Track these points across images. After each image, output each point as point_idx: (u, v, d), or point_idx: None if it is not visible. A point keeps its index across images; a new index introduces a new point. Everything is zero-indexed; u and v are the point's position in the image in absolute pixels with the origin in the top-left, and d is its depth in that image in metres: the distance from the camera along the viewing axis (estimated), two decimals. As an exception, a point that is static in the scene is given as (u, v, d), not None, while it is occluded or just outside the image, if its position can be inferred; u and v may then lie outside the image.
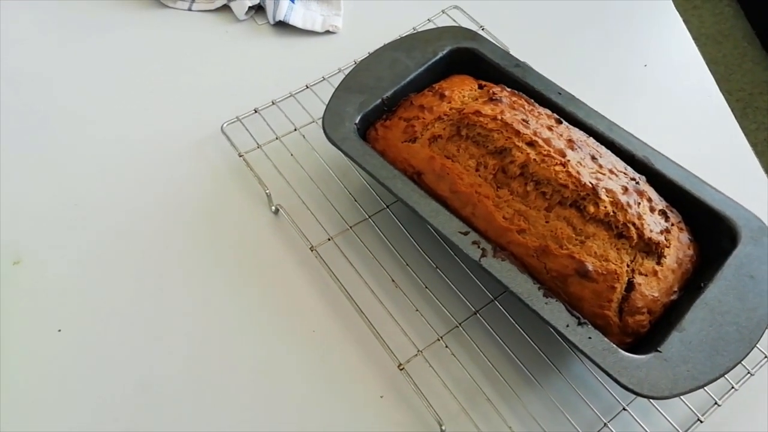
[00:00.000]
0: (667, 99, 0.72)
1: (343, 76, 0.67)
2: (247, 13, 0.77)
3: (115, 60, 0.75)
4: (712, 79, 0.72)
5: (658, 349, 0.44)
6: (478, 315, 0.54)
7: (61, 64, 0.74)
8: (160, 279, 0.58)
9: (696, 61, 0.74)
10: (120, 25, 0.78)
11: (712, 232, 0.51)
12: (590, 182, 0.47)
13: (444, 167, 0.51)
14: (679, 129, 0.69)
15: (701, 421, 0.49)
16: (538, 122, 0.52)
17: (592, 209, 0.47)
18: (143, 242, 0.60)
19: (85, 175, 0.65)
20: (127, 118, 0.70)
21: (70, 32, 0.77)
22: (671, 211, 0.51)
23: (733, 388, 0.51)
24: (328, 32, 0.77)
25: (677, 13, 0.78)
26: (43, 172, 0.65)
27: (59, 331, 0.55)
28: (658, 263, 0.48)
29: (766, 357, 0.52)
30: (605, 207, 0.47)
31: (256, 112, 0.66)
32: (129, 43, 0.76)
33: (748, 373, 0.51)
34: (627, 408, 0.50)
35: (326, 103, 0.66)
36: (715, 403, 0.50)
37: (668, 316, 0.48)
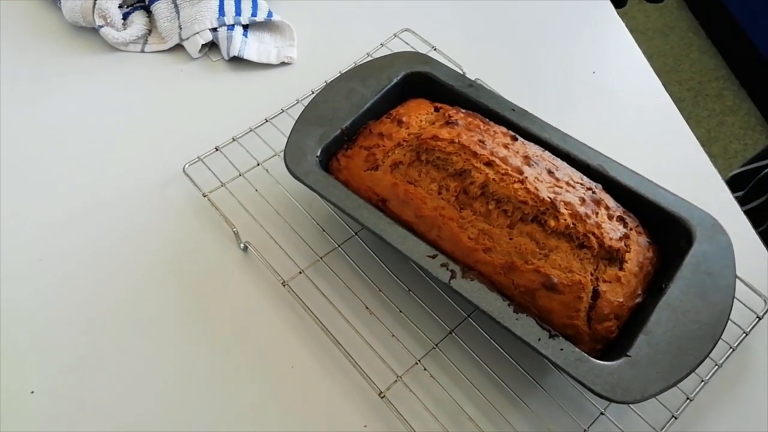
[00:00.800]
0: (617, 104, 0.74)
1: (302, 107, 0.68)
2: (200, 50, 0.77)
3: (68, 106, 0.74)
4: (659, 81, 0.75)
5: (628, 353, 0.45)
6: (453, 334, 0.55)
7: (11, 112, 0.73)
8: (129, 329, 0.57)
9: (641, 65, 0.77)
10: (72, 70, 0.77)
11: (668, 233, 0.53)
12: (548, 197, 0.49)
13: (407, 193, 0.52)
14: (630, 133, 0.71)
15: (675, 418, 0.51)
16: (494, 141, 0.53)
17: (552, 223, 0.48)
18: (109, 292, 0.60)
19: (45, 226, 0.64)
20: (85, 166, 0.69)
21: (21, 79, 0.76)
22: (628, 216, 0.52)
23: (702, 381, 0.52)
24: (283, 63, 0.77)
25: (620, 20, 0.81)
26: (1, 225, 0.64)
27: (32, 392, 0.54)
28: (620, 269, 0.49)
29: (731, 348, 0.54)
30: (565, 220, 0.48)
31: (217, 150, 0.66)
32: (82, 89, 0.76)
33: (716, 365, 0.53)
34: (604, 413, 0.51)
35: (286, 134, 0.67)
36: (687, 398, 0.52)
37: (635, 319, 0.49)
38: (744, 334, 0.55)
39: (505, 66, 0.77)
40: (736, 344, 0.54)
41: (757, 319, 0.56)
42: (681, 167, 0.67)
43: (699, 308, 0.47)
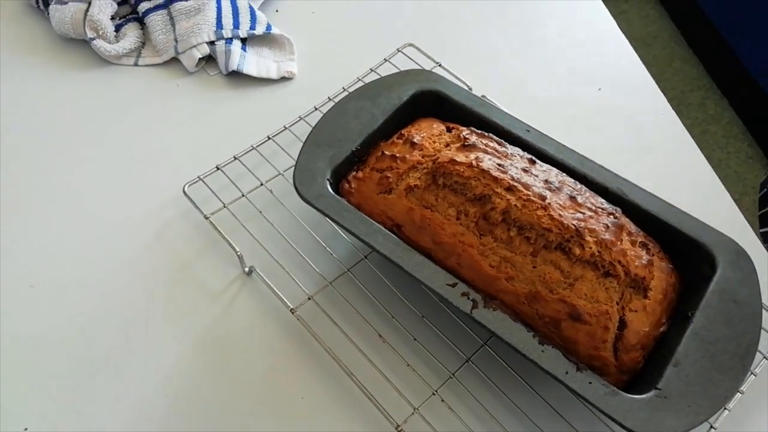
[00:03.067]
0: (623, 122, 0.73)
1: (305, 124, 0.66)
2: (197, 64, 0.74)
3: (57, 123, 0.71)
4: (664, 97, 0.74)
5: (657, 386, 0.44)
6: (470, 362, 0.53)
7: (2, 129, 0.69)
8: (128, 358, 0.54)
9: (646, 81, 0.76)
10: (62, 84, 0.74)
11: (690, 258, 0.51)
12: (573, 224, 0.47)
13: (424, 218, 0.50)
14: (638, 152, 0.70)
15: (699, 447, 0.49)
16: (513, 165, 0.51)
17: (577, 251, 0.47)
18: (105, 319, 0.56)
19: (38, 252, 0.61)
20: (78, 186, 0.66)
21: (5, 94, 0.73)
22: (650, 241, 0.51)
23: (726, 409, 0.51)
24: (283, 78, 0.75)
25: (624, 36, 0.81)
26: (-10, 254, 0.61)
27: (26, 429, 0.51)
28: (645, 297, 0.48)
29: (753, 375, 0.53)
30: (590, 248, 0.47)
31: (218, 169, 0.64)
32: (73, 104, 0.72)
33: (739, 392, 0.52)
34: (628, 443, 0.50)
35: (290, 153, 0.65)
36: (711, 426, 0.50)
37: (660, 348, 0.48)
38: (764, 359, 0.54)
39: (510, 83, 0.76)
40: (757, 370, 0.53)
41: (777, 342, 0.55)
42: (690, 186, 0.67)
43: (727, 338, 0.46)
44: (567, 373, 0.44)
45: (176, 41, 0.74)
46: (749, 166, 1.72)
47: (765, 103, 1.68)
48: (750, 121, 1.78)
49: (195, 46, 0.73)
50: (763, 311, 0.49)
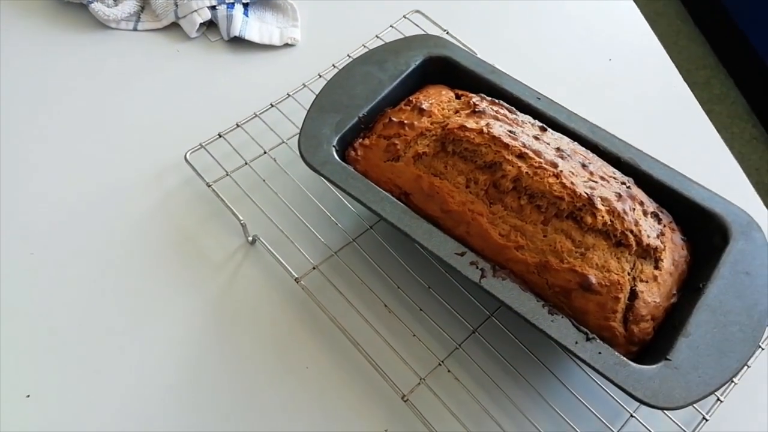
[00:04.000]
0: (634, 92, 0.72)
1: (309, 92, 0.65)
2: (198, 30, 0.72)
3: (55, 88, 0.69)
4: (675, 69, 0.73)
5: (668, 357, 0.44)
6: (476, 333, 0.53)
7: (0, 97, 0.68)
8: (131, 328, 0.54)
9: (658, 52, 0.75)
10: (59, 49, 0.72)
11: (702, 229, 0.51)
12: (585, 192, 0.46)
13: (433, 186, 0.49)
14: (649, 122, 0.69)
15: (706, 419, 0.49)
16: (524, 132, 0.50)
17: (589, 220, 0.46)
18: (107, 289, 0.56)
19: (37, 221, 0.60)
20: (76, 153, 0.64)
21: (7, 59, 0.71)
22: (662, 212, 0.50)
23: (733, 382, 0.51)
24: (286, 45, 0.73)
25: (635, 6, 0.79)
26: (-12, 220, 0.59)
27: (28, 396, 0.50)
28: (657, 267, 0.47)
29: (761, 348, 0.53)
30: (602, 217, 0.46)
31: (220, 136, 0.62)
32: (70, 69, 0.70)
33: (747, 366, 0.51)
34: (634, 415, 0.49)
35: (294, 121, 0.63)
36: (718, 399, 0.50)
37: (670, 320, 0.47)
38: (772, 333, 0.53)
39: (519, 51, 0.74)
40: (764, 343, 0.53)
41: (785, 316, 0.54)
42: (701, 158, 0.65)
43: (738, 309, 0.46)
44: (576, 342, 0.44)
45: (176, 5, 0.72)
46: (753, 147, 1.71)
47: (771, 82, 1.67)
48: (755, 102, 1.76)
49: (196, 11, 0.71)
50: None
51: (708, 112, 0.69)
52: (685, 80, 0.72)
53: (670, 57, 0.74)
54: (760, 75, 1.70)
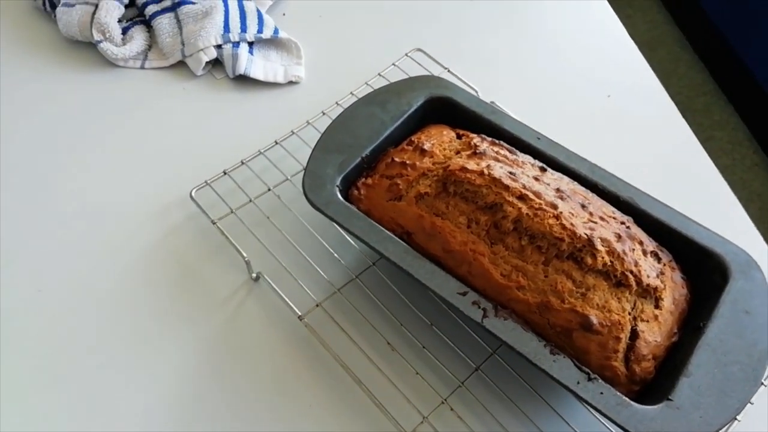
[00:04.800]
0: (633, 129, 0.73)
1: (313, 129, 0.66)
2: (204, 68, 0.74)
3: (64, 125, 0.70)
4: (674, 105, 0.74)
5: (669, 397, 0.44)
6: (479, 371, 0.53)
7: (8, 132, 0.69)
8: (134, 365, 0.54)
9: (656, 88, 0.76)
10: (68, 87, 0.73)
11: (701, 268, 0.51)
12: (585, 233, 0.47)
13: (434, 226, 0.50)
14: (648, 160, 0.70)
15: (710, 459, 0.49)
16: (524, 173, 0.51)
17: (590, 261, 0.47)
18: (112, 326, 0.56)
19: (44, 257, 0.60)
20: (84, 190, 0.65)
21: (13, 97, 0.73)
22: (661, 251, 0.51)
23: (736, 420, 0.51)
24: (291, 82, 0.74)
25: (633, 42, 0.80)
26: (-4, 257, 0.60)
27: (31, 437, 0.51)
28: (657, 307, 0.48)
29: (763, 385, 0.53)
30: (603, 257, 0.47)
31: (225, 173, 0.63)
32: (79, 107, 0.72)
33: (749, 403, 0.52)
34: (639, 454, 0.49)
35: (298, 159, 0.64)
36: (721, 437, 0.50)
37: (671, 359, 0.48)
38: (773, 369, 0.54)
39: (519, 89, 0.76)
40: (766, 381, 0.53)
41: (786, 353, 0.54)
42: (699, 194, 0.66)
43: (739, 349, 0.46)
44: (578, 383, 0.44)
45: (183, 44, 0.74)
46: (755, 173, 1.72)
47: (770, 109, 1.68)
48: (755, 128, 1.77)
49: (202, 50, 0.72)
50: None
51: (709, 139, 0.70)
52: (685, 108, 0.74)
53: (670, 84, 0.75)
54: (760, 100, 1.72)
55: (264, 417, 0.52)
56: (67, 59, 0.76)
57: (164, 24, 0.74)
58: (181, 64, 0.75)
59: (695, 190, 0.67)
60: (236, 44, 0.73)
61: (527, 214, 0.48)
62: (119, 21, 0.75)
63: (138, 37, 0.75)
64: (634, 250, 0.48)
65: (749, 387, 0.45)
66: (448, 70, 0.73)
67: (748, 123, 1.80)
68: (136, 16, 0.77)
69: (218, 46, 0.73)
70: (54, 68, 0.75)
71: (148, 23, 0.76)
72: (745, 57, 1.76)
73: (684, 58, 2.04)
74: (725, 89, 1.89)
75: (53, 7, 0.76)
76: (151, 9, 0.75)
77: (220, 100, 0.73)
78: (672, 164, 0.70)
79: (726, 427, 0.49)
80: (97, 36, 0.73)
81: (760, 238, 0.62)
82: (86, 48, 0.76)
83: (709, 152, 0.69)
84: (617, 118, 0.73)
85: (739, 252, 0.50)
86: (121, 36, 0.74)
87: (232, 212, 0.61)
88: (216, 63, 0.75)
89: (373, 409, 0.51)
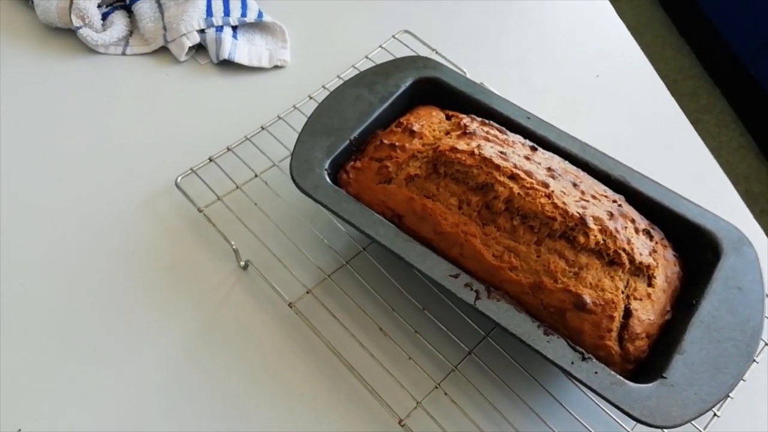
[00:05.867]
0: (622, 109, 0.72)
1: (300, 114, 0.65)
2: (187, 53, 0.72)
3: (44, 114, 0.69)
4: (663, 84, 0.74)
5: (664, 375, 0.44)
6: (472, 354, 0.53)
7: (-16, 124, 0.68)
8: (121, 357, 0.53)
9: (645, 68, 0.76)
10: (48, 75, 0.71)
11: (693, 245, 0.51)
12: (577, 212, 0.46)
13: (425, 208, 0.49)
14: (637, 139, 0.69)
15: (704, 435, 0.49)
16: (515, 152, 0.50)
17: (582, 239, 0.46)
18: (97, 318, 0.55)
19: (27, 249, 0.59)
20: (67, 179, 0.64)
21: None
22: (653, 229, 0.50)
23: (729, 397, 0.51)
24: (276, 67, 0.73)
25: (622, 22, 0.80)
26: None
27: (19, 430, 0.49)
28: (650, 285, 0.47)
29: (755, 362, 0.53)
30: (595, 236, 0.46)
31: (211, 160, 0.62)
32: (59, 95, 0.70)
33: (742, 380, 0.52)
34: (632, 432, 0.49)
35: (285, 144, 0.63)
36: (714, 414, 0.50)
37: (664, 337, 0.47)
38: (766, 346, 0.54)
39: (508, 69, 0.75)
40: (758, 357, 0.53)
41: (778, 329, 0.55)
42: (690, 171, 0.66)
43: (732, 325, 0.46)
44: (573, 363, 0.44)
45: (165, 29, 0.72)
46: (741, 155, 1.73)
47: (757, 92, 1.69)
48: (742, 110, 1.78)
49: (185, 35, 0.71)
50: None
51: (696, 122, 0.69)
52: (672, 91, 0.73)
53: (657, 68, 0.75)
54: (746, 83, 1.72)
55: (255, 405, 0.51)
56: (46, 47, 0.74)
57: (145, 9, 0.73)
58: (163, 50, 0.74)
59: (685, 168, 0.67)
60: (220, 28, 0.72)
61: (519, 193, 0.47)
62: (99, 6, 0.73)
63: (119, 22, 0.73)
64: (626, 228, 0.47)
65: (743, 363, 0.45)
66: (436, 52, 0.72)
67: (735, 106, 1.81)
68: (116, 1, 0.75)
69: (201, 31, 0.72)
70: (32, 56, 0.73)
71: (128, 8, 0.74)
72: (732, 40, 1.77)
73: (670, 41, 2.04)
74: (711, 72, 1.90)
75: (30, -7, 0.74)
76: (131, -6, 0.74)
77: (204, 86, 0.72)
78: (661, 143, 0.69)
79: (720, 404, 0.49)
80: (76, 22, 0.71)
81: (750, 216, 0.62)
82: (65, 35, 0.74)
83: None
84: (607, 97, 0.73)
85: (731, 228, 0.50)
86: (101, 22, 0.72)
87: (218, 199, 0.60)
88: (199, 48, 0.74)
89: (366, 395, 0.50)
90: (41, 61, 0.73)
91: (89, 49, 0.73)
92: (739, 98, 1.79)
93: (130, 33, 0.74)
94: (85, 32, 0.71)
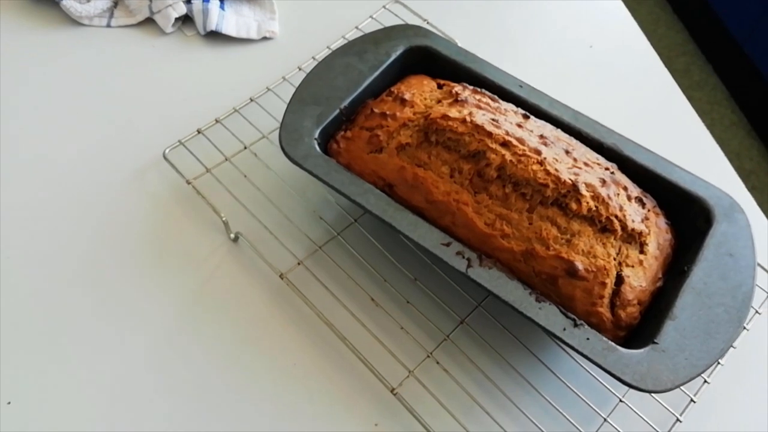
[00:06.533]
0: (616, 79, 0.72)
1: (289, 85, 0.64)
2: (173, 25, 0.71)
3: (28, 88, 0.67)
4: (657, 55, 0.73)
5: (655, 340, 0.44)
6: (465, 324, 0.53)
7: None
8: (111, 329, 0.53)
9: (639, 39, 0.75)
10: (30, 48, 0.70)
11: (685, 213, 0.51)
12: (569, 179, 0.46)
13: (417, 177, 0.49)
14: (631, 109, 0.69)
15: (694, 402, 0.49)
16: (507, 120, 0.50)
17: (574, 206, 0.46)
18: (85, 291, 0.54)
19: (13, 223, 0.58)
20: (53, 153, 0.63)
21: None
22: (646, 196, 0.50)
23: (719, 364, 0.51)
24: (264, 38, 0.72)
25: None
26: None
27: (9, 403, 0.49)
28: (642, 252, 0.47)
29: (745, 329, 0.53)
30: (587, 203, 0.46)
31: (199, 132, 0.61)
32: (43, 69, 0.69)
33: (732, 347, 0.52)
34: (623, 400, 0.50)
35: (274, 115, 0.62)
36: (705, 381, 0.50)
37: (656, 304, 0.48)
38: (756, 314, 0.54)
39: (500, 40, 0.74)
40: (748, 325, 0.53)
41: (768, 297, 0.55)
42: (683, 142, 0.66)
43: (723, 291, 0.46)
44: (565, 329, 0.44)
45: (150, 0, 0.70)
46: (734, 132, 1.73)
47: (749, 69, 1.68)
48: (734, 88, 1.78)
49: (171, 5, 0.69)
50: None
51: (688, 99, 0.69)
52: (665, 67, 0.73)
53: (651, 44, 0.74)
54: (739, 61, 1.72)
55: (247, 378, 0.51)
56: (28, 19, 0.72)
57: (130, -21, 0.71)
58: (149, 22, 0.72)
59: (678, 138, 0.66)
60: (206, -1, 0.70)
61: (511, 160, 0.47)
62: (81, -24, 0.71)
63: (102, -7, 0.71)
64: (618, 195, 0.47)
65: (733, 328, 0.45)
66: (427, 22, 0.71)
67: (727, 83, 1.80)
68: (100, -29, 0.73)
69: (188, 2, 0.70)
70: (14, 28, 0.71)
71: (112, -21, 0.73)
72: (724, 16, 1.76)
73: (664, 18, 2.03)
74: (704, 50, 1.89)
75: (10, -37, 0.72)
76: (115, -36, 0.72)
77: (191, 58, 0.70)
78: (654, 113, 0.69)
79: (710, 370, 0.50)
80: (58, -8, 0.69)
81: (741, 184, 0.62)
82: (48, 6, 0.72)
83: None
84: (600, 67, 0.72)
85: (723, 195, 0.50)
86: (85, -8, 0.71)
87: (207, 171, 0.59)
88: (186, 19, 0.72)
89: (359, 365, 0.50)
90: (23, 34, 0.71)
91: (73, 21, 0.72)
92: (732, 75, 1.79)
93: (115, 4, 0.72)
94: (68, 4, 0.70)
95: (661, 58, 0.74)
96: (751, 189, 1.61)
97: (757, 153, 1.69)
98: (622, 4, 0.77)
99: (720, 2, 1.77)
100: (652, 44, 0.74)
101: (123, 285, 0.55)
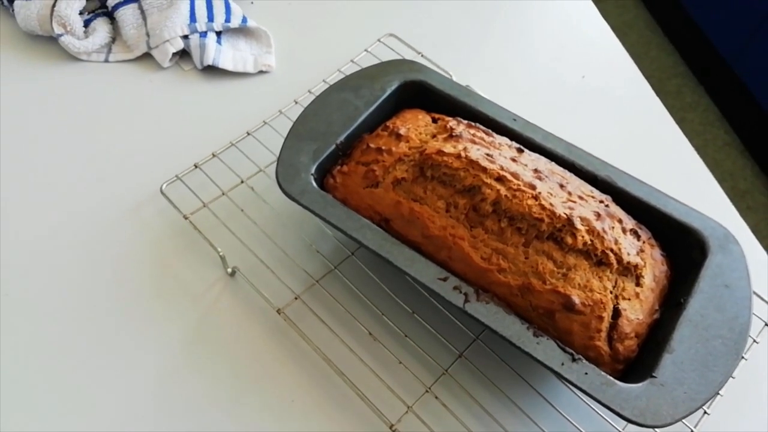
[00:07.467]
0: (608, 109, 0.73)
1: (286, 119, 0.64)
2: (171, 59, 0.72)
3: (26, 123, 0.68)
4: (648, 84, 0.74)
5: (653, 374, 0.44)
6: (463, 357, 0.52)
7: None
8: (107, 366, 0.52)
9: (629, 68, 0.76)
10: (29, 83, 0.71)
11: (680, 244, 0.51)
12: (564, 213, 0.46)
13: (413, 211, 0.49)
14: (624, 139, 0.70)
15: (694, 432, 0.49)
16: (502, 154, 0.50)
17: (570, 240, 0.46)
18: (82, 328, 0.54)
19: (10, 258, 0.58)
20: (49, 189, 0.63)
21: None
22: (640, 228, 0.51)
23: (718, 394, 0.51)
24: (261, 72, 0.73)
25: (606, 23, 0.80)
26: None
27: (2, 445, 0.49)
28: (638, 284, 0.47)
29: (743, 358, 0.53)
30: (583, 236, 0.46)
31: (196, 167, 0.62)
32: (42, 103, 0.69)
33: (731, 377, 0.52)
34: (623, 432, 0.49)
35: (271, 149, 0.63)
36: (705, 412, 0.50)
37: (653, 336, 0.48)
38: (754, 342, 0.54)
39: (493, 72, 0.75)
40: (746, 354, 0.53)
41: (766, 325, 0.55)
42: (676, 170, 0.66)
43: (720, 323, 0.46)
44: (563, 364, 0.44)
45: (148, 36, 0.71)
46: (726, 153, 1.75)
47: (740, 90, 1.71)
48: (726, 108, 1.80)
49: (168, 41, 0.70)
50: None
51: (681, 120, 0.70)
52: (657, 90, 0.74)
53: (642, 67, 0.75)
54: (730, 82, 1.74)
55: (245, 414, 0.51)
56: (27, 55, 0.73)
57: (128, 15, 0.72)
58: (147, 57, 0.73)
59: (671, 167, 0.67)
60: (203, 34, 0.71)
61: (506, 195, 0.47)
62: (80, 13, 0.72)
63: (101, 29, 0.72)
64: (613, 228, 0.48)
65: (731, 360, 0.45)
66: (422, 55, 0.72)
67: (719, 104, 1.82)
68: (98, 8, 0.75)
69: (185, 37, 0.71)
70: (13, 64, 0.72)
71: (110, 15, 0.74)
72: (715, 39, 1.78)
73: (655, 41, 2.06)
74: (696, 71, 1.91)
75: (11, 1, 0.73)
76: (113, 0, 0.73)
77: (188, 92, 0.71)
78: (647, 142, 0.70)
79: (710, 402, 0.49)
80: (57, 29, 0.70)
81: (736, 213, 0.63)
82: (47, 42, 0.73)
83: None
84: (592, 98, 0.73)
85: (717, 226, 0.51)
86: (83, 29, 0.72)
87: (204, 206, 0.59)
88: (183, 54, 0.73)
89: (357, 400, 0.50)
90: (23, 69, 0.72)
91: (71, 57, 0.73)
92: (724, 96, 1.81)
93: (113, 40, 0.73)
94: (66, 39, 0.70)
95: (653, 81, 0.75)
96: (746, 209, 1.62)
97: (750, 173, 1.70)
98: (613, 34, 0.79)
99: (710, 24, 1.80)
100: (643, 67, 0.75)
101: (120, 320, 0.55)
